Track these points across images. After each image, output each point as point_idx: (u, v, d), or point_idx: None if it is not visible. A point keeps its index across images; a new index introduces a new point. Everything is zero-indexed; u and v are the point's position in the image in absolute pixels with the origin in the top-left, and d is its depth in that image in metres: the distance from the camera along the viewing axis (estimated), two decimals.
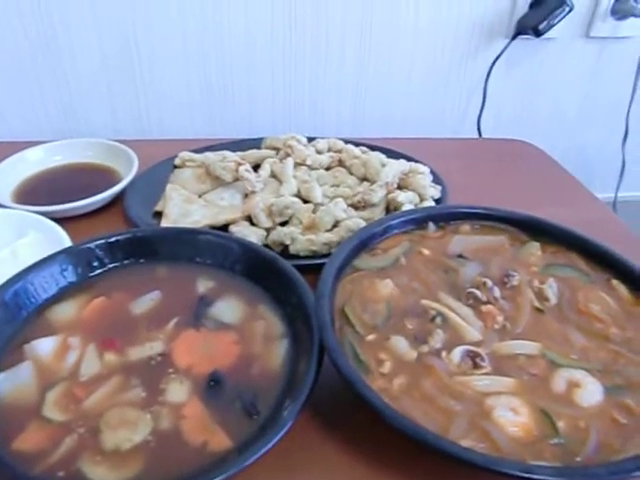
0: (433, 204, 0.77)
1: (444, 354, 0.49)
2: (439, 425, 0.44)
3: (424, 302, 0.54)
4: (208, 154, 0.83)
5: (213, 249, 0.64)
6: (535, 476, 0.39)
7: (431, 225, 0.65)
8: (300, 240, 0.69)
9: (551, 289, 0.56)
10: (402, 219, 0.64)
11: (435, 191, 0.79)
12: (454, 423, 0.44)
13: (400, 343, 0.50)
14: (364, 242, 0.61)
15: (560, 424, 0.44)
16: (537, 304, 0.55)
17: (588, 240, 0.61)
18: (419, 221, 0.65)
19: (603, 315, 0.54)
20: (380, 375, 0.48)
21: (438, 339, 0.51)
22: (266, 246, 0.72)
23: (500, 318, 0.53)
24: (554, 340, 0.51)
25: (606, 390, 0.47)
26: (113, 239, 0.62)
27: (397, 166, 0.76)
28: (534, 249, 0.62)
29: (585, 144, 1.31)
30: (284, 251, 0.71)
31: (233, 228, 0.73)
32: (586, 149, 1.31)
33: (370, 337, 0.51)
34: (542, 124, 1.27)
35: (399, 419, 0.42)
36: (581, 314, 0.54)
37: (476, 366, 0.48)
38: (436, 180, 0.83)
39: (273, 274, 0.60)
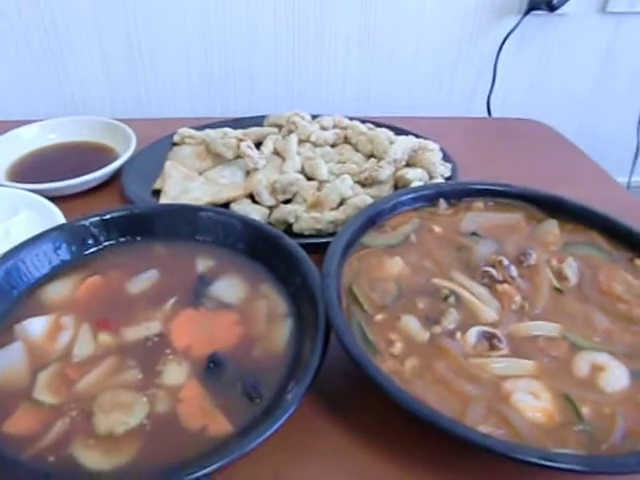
0: (443, 182, 0.74)
1: (458, 335, 0.46)
2: (454, 410, 0.41)
3: (436, 281, 0.51)
4: (208, 131, 0.80)
5: (214, 227, 0.61)
6: (559, 464, 0.36)
7: (442, 202, 0.62)
8: (304, 218, 0.66)
9: (571, 268, 0.53)
10: (412, 195, 0.61)
11: (445, 169, 0.76)
12: (470, 408, 0.41)
13: (411, 323, 0.47)
14: (372, 219, 0.58)
15: (584, 410, 0.41)
16: (556, 284, 0.52)
17: (609, 218, 0.58)
18: (430, 198, 0.62)
19: (626, 295, 0.51)
20: (390, 356, 0.45)
21: (451, 319, 0.48)
22: (269, 224, 0.69)
23: (518, 298, 0.50)
24: (575, 321, 0.48)
25: (632, 374, 0.44)
26: (108, 216, 0.59)
27: (406, 142, 0.72)
28: (552, 227, 0.59)
29: (598, 125, 1.27)
30: (287, 230, 0.68)
31: (235, 206, 0.70)
32: (599, 131, 1.27)
33: (379, 317, 0.48)
34: (554, 104, 1.24)
35: (413, 403, 0.39)
36: (603, 294, 0.51)
37: (493, 348, 0.45)
38: (446, 158, 0.79)
39: (277, 252, 0.57)
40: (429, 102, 1.19)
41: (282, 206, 0.69)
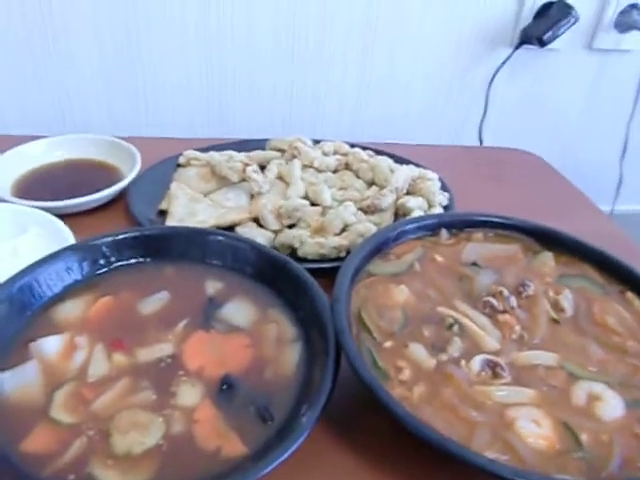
0: (442, 211, 0.76)
1: (463, 363, 0.48)
2: (461, 435, 0.43)
3: (440, 309, 0.54)
4: (213, 153, 0.81)
5: (222, 250, 0.62)
6: None
7: (444, 232, 0.64)
8: (309, 243, 0.68)
9: (567, 300, 0.56)
10: (415, 225, 0.63)
11: (443, 198, 0.78)
12: (476, 434, 0.43)
13: (418, 350, 0.49)
14: (378, 247, 0.60)
15: (583, 437, 0.43)
16: (553, 315, 0.54)
17: (600, 252, 0.61)
18: (432, 227, 0.64)
19: (620, 328, 0.54)
20: (399, 383, 0.47)
21: (456, 347, 0.50)
22: (274, 248, 0.71)
23: (517, 328, 0.52)
24: (572, 351, 0.51)
25: (627, 404, 0.46)
26: (121, 237, 0.60)
27: (407, 171, 0.75)
28: (547, 259, 0.62)
29: (584, 156, 1.33)
30: (292, 254, 0.69)
31: (240, 229, 0.71)
32: (585, 161, 1.33)
33: (388, 344, 0.50)
34: (542, 134, 1.29)
35: (422, 428, 0.41)
36: (597, 326, 0.54)
37: (496, 376, 0.48)
38: (443, 187, 0.82)
39: (285, 277, 0.59)
40: (423, 128, 1.23)
41: (287, 231, 0.71)
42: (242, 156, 0.80)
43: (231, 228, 0.72)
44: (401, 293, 0.55)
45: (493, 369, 0.48)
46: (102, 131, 0.91)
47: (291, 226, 0.73)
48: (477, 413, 0.45)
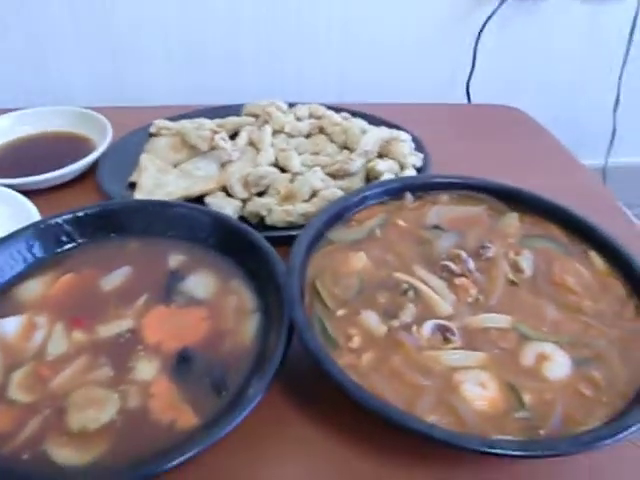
0: (414, 173, 0.75)
1: (414, 328, 0.49)
2: (406, 401, 0.43)
3: (397, 275, 0.54)
4: (184, 122, 0.81)
5: (185, 222, 0.62)
6: (496, 450, 0.39)
7: (408, 196, 0.64)
8: (276, 211, 0.68)
9: (526, 261, 0.56)
10: (379, 189, 0.63)
11: (417, 159, 0.77)
12: (421, 398, 0.44)
13: (370, 318, 0.50)
14: (339, 213, 0.60)
15: (526, 397, 0.44)
16: (511, 276, 0.54)
17: (566, 210, 0.60)
18: (396, 191, 0.63)
19: (577, 287, 0.53)
20: (349, 351, 0.47)
21: (409, 313, 0.50)
22: (242, 218, 0.71)
23: (473, 291, 0.52)
24: (526, 313, 0.51)
25: (574, 363, 0.47)
26: (82, 213, 0.61)
27: (377, 134, 0.74)
28: (512, 220, 0.61)
29: (577, 110, 1.29)
30: (261, 222, 0.70)
31: (209, 199, 0.71)
32: (577, 115, 1.29)
33: (340, 312, 0.50)
34: (533, 89, 1.25)
35: (363, 396, 0.42)
36: (556, 286, 0.54)
37: (446, 340, 0.48)
38: (419, 148, 0.81)
39: (246, 247, 0.59)
40: (409, 88, 1.20)
41: (255, 199, 0.71)
42: (211, 124, 0.79)
43: (201, 199, 0.72)
44: (359, 260, 0.55)
45: (443, 334, 0.48)
46: (76, 102, 0.90)
47: (262, 194, 0.73)
48: (424, 378, 0.45)
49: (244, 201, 0.72)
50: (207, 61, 1.14)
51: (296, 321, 0.47)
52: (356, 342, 0.48)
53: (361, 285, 0.53)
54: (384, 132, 0.76)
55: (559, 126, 0.99)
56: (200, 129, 0.77)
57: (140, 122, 0.86)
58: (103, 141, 0.79)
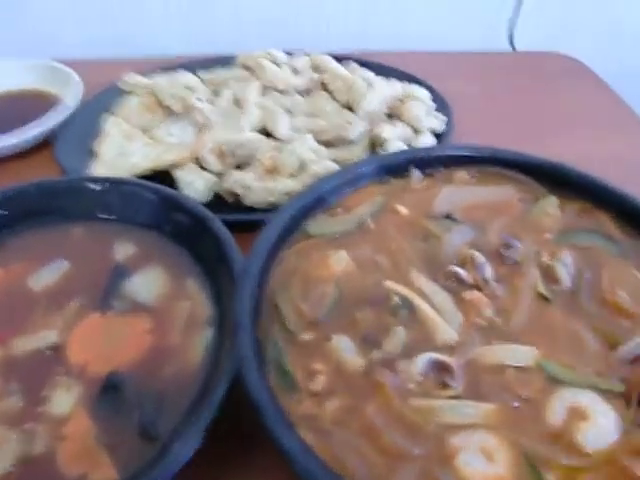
0: (432, 141, 0.61)
1: (402, 365, 0.36)
2: (377, 475, 0.31)
3: (388, 284, 0.41)
4: (158, 78, 0.68)
5: (133, 203, 0.52)
6: None
7: (415, 172, 0.50)
8: (255, 189, 0.56)
9: (565, 267, 0.41)
10: (376, 165, 0.49)
11: (437, 123, 0.62)
12: (398, 474, 0.31)
13: (344, 346, 0.37)
14: (322, 197, 0.47)
15: (549, 478, 0.31)
16: (542, 289, 0.40)
17: (624, 195, 0.45)
18: (399, 167, 0.50)
19: (635, 307, 0.39)
20: (308, 394, 0.35)
21: (397, 341, 0.37)
22: (217, 196, 0.59)
23: (488, 310, 0.39)
24: (560, 344, 0.37)
25: (625, 426, 0.33)
26: (13, 192, 0.51)
27: (385, 90, 0.59)
28: (550, 207, 0.47)
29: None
30: (239, 203, 0.57)
31: (178, 173, 0.59)
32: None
33: (305, 336, 0.38)
34: (592, 33, 1.03)
35: (311, 469, 0.30)
36: (604, 305, 0.40)
37: (443, 385, 0.35)
38: (441, 108, 0.66)
39: (205, 238, 0.48)
40: (443, 35, 1.01)
41: (233, 173, 0.58)
42: (192, 79, 0.66)
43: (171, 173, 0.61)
44: (339, 262, 0.43)
45: (440, 374, 0.35)
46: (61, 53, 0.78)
47: (244, 166, 0.60)
48: (408, 441, 0.33)
49: (220, 175, 0.59)
50: (206, 5, 0.99)
51: (238, 349, 0.35)
52: (320, 382, 0.36)
53: (338, 298, 0.40)
54: (394, 88, 0.61)
55: (618, 82, 0.81)
56: (175, 86, 0.65)
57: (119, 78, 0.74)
58: (71, 101, 0.68)
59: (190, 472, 0.34)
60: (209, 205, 0.58)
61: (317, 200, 0.47)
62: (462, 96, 0.70)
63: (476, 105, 0.70)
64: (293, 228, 0.45)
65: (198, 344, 0.43)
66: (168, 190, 0.50)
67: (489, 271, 0.41)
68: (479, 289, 0.40)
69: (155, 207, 0.50)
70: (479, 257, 0.41)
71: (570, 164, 0.48)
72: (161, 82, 0.66)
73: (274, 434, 0.31)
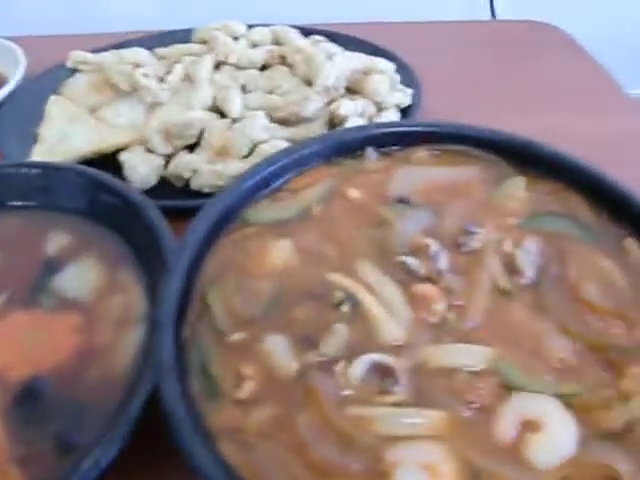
0: (397, 117, 0.56)
1: (339, 367, 0.32)
2: None
3: (331, 277, 0.37)
4: (106, 54, 0.63)
5: (70, 190, 0.47)
6: None
7: (371, 152, 0.45)
8: (203, 172, 0.51)
9: (528, 256, 0.37)
10: (326, 144, 0.45)
11: (404, 98, 0.58)
12: None
13: (277, 347, 0.33)
14: (265, 180, 0.43)
15: None
16: (503, 282, 0.36)
17: (597, 174, 0.41)
18: (352, 146, 0.45)
19: (603, 301, 0.35)
20: (234, 402, 0.31)
21: (336, 341, 0.33)
22: (164, 180, 0.55)
23: (440, 306, 0.35)
24: (519, 344, 0.33)
25: (584, 438, 0.29)
26: None
27: (344, 63, 0.54)
28: (517, 188, 0.42)
29: (624, 28, 1.01)
30: (187, 187, 0.53)
31: (123, 156, 0.55)
32: (625, 35, 1.01)
33: (236, 336, 0.34)
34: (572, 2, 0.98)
35: None
36: (570, 299, 0.36)
37: (385, 391, 0.31)
38: (409, 81, 0.61)
39: (140, 226, 0.44)
40: (421, 6, 0.96)
41: (181, 155, 0.54)
42: (137, 55, 0.61)
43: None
44: (281, 252, 0.39)
45: (382, 378, 0.32)
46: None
47: (193, 148, 0.56)
48: (340, 456, 0.29)
49: (169, 158, 0.55)
50: None
51: (155, 351, 0.32)
52: (248, 388, 0.32)
53: (276, 293, 0.36)
54: (356, 60, 0.56)
55: (601, 51, 0.76)
56: (122, 63, 0.60)
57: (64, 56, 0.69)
58: (13, 80, 0.63)
59: None
60: (157, 190, 0.55)
61: (259, 184, 0.42)
62: (434, 69, 0.65)
63: (449, 78, 0.65)
64: (231, 215, 0.41)
65: (129, 343, 0.39)
66: (95, 172, 0.46)
67: (444, 261, 0.37)
68: (432, 281, 0.36)
69: (85, 191, 0.46)
70: (433, 245, 0.37)
71: (541, 141, 0.44)
72: (108, 59, 0.62)
73: (185, 447, 0.28)
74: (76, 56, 0.64)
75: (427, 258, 0.37)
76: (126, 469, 0.33)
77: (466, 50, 0.78)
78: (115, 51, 0.63)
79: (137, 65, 0.59)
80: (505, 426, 0.30)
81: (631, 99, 0.72)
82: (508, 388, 0.31)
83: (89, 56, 0.64)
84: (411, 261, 0.37)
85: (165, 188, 0.55)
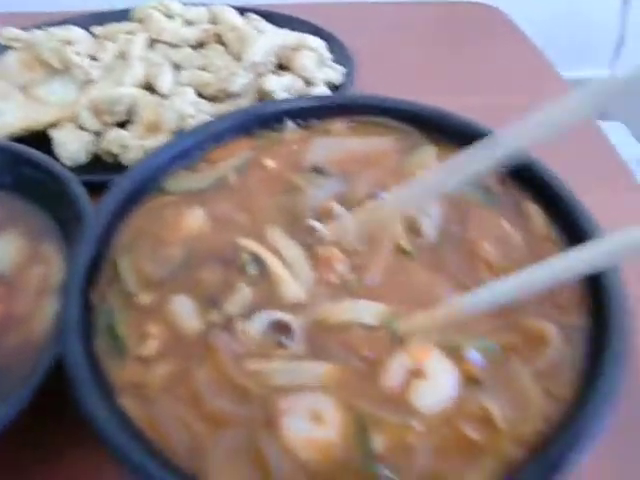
0: (327, 92, 0.57)
1: (240, 325, 0.33)
2: (196, 445, 0.29)
3: (241, 241, 0.38)
4: (38, 32, 0.63)
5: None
6: None
7: (289, 124, 0.46)
8: (132, 148, 0.52)
9: (429, 218, 0.39)
10: (245, 117, 0.46)
11: (335, 75, 0.59)
12: (219, 441, 0.29)
13: (182, 308, 0.35)
14: (183, 152, 0.44)
15: (378, 441, 0.29)
16: (404, 242, 0.38)
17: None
18: (271, 119, 0.46)
19: (498, 259, 0.37)
20: (137, 360, 0.32)
21: (239, 300, 0.35)
22: (97, 157, 0.55)
23: (341, 266, 0.36)
24: (416, 300, 0.35)
25: (464, 384, 0.31)
26: None
27: (272, 39, 0.55)
28: (427, 156, 0.44)
29: (575, 8, 1.04)
30: (120, 163, 0.54)
31: (54, 133, 0.55)
32: (576, 14, 1.04)
33: (145, 298, 0.35)
34: None
35: (116, 442, 0.27)
36: (468, 259, 0.37)
37: (281, 346, 0.33)
38: (343, 59, 0.62)
39: (64, 201, 0.44)
40: None
41: (111, 132, 0.54)
42: (69, 32, 0.61)
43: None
44: (193, 220, 0.40)
45: (281, 334, 0.33)
46: None
47: (125, 125, 0.56)
48: (234, 407, 0.30)
49: (100, 135, 0.55)
50: None
51: (61, 313, 0.32)
52: (152, 346, 0.33)
53: (186, 257, 0.37)
54: (286, 37, 0.57)
55: (550, 31, 0.78)
56: (53, 40, 0.60)
57: None
58: None
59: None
60: (88, 166, 0.55)
61: (177, 155, 0.43)
62: (374, 50, 0.67)
63: (388, 59, 0.67)
64: (148, 185, 0.41)
65: (48, 311, 0.40)
66: (19, 147, 0.47)
67: (349, 225, 0.38)
68: (337, 244, 0.37)
69: (10, 166, 0.47)
70: (338, 210, 0.39)
71: (452, 111, 0.46)
72: (40, 36, 0.61)
73: (82, 400, 0.29)
74: (7, 33, 0.64)
75: (332, 222, 0.38)
76: (36, 435, 0.34)
77: (408, 32, 0.79)
78: (48, 28, 0.63)
79: (69, 42, 0.59)
80: (392, 375, 0.31)
81: (564, 81, 0.74)
82: (399, 341, 0.33)
83: (20, 33, 0.64)
84: (318, 225, 0.38)
85: (97, 165, 0.55)
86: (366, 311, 0.34)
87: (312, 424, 0.30)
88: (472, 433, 0.29)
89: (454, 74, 0.71)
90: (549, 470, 0.27)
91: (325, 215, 0.39)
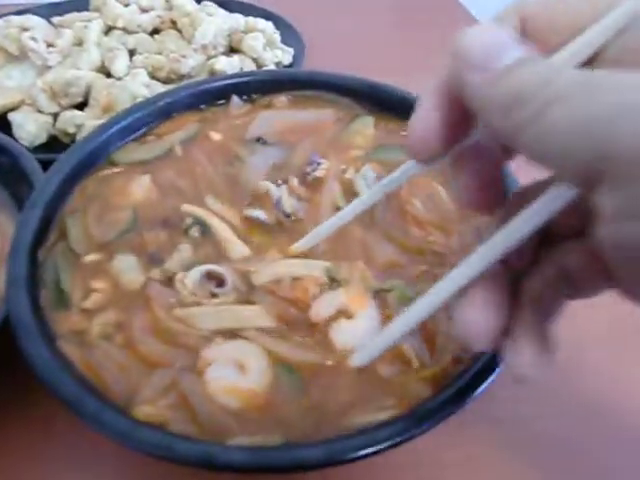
0: None
1: (178, 277, 0.35)
2: (129, 384, 0.31)
3: (185, 208, 0.40)
4: None
5: None
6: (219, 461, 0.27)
7: (235, 99, 0.49)
8: (87, 127, 0.54)
9: (364, 180, 0.41)
10: (191, 92, 0.48)
11: (284, 55, 0.61)
12: (150, 381, 0.31)
13: (125, 264, 0.37)
14: (131, 126, 0.45)
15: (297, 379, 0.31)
16: (341, 203, 0.40)
17: None
18: (217, 94, 0.48)
19: (428, 216, 0.39)
20: (80, 311, 0.34)
21: (178, 257, 0.37)
22: (55, 138, 0.57)
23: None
24: (351, 254, 0.37)
25: (382, 324, 0.33)
26: None
27: (219, 22, 0.57)
28: (364, 126, 0.47)
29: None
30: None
31: (11, 116, 0.57)
32: None
33: (90, 257, 0.37)
34: None
35: (54, 381, 0.29)
36: (399, 216, 0.40)
37: (214, 295, 0.35)
38: (293, 41, 0.64)
39: (19, 176, 0.46)
40: None
41: (67, 113, 0.56)
42: (27, 19, 0.63)
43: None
44: (140, 187, 0.42)
45: (215, 285, 0.35)
46: None
47: (82, 107, 0.58)
48: (164, 349, 0.32)
49: (56, 116, 0.57)
50: None
51: (8, 271, 0.34)
52: (94, 300, 0.35)
53: (133, 222, 0.39)
54: (235, 20, 0.59)
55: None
56: (10, 27, 0.61)
57: None
58: None
59: None
60: (46, 146, 0.57)
61: (126, 128, 0.45)
62: (325, 31, 0.69)
63: (338, 40, 0.69)
64: (98, 156, 0.43)
65: (2, 280, 0.41)
66: None
67: (289, 203, 0.40)
68: (280, 224, 0.39)
69: None
70: (274, 192, 0.40)
71: (390, 84, 0.48)
72: None
73: (23, 345, 0.30)
74: None
75: (272, 206, 0.40)
76: None
77: (361, 16, 0.81)
78: (5, 17, 0.64)
79: (25, 29, 0.60)
80: (320, 311, 0.34)
81: None
82: (329, 286, 0.35)
83: None
84: (258, 214, 0.39)
85: (55, 145, 0.57)
86: (302, 265, 0.36)
87: (235, 372, 0.31)
88: (384, 371, 0.31)
89: (404, 56, 0.73)
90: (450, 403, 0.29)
91: (260, 199, 0.40)
